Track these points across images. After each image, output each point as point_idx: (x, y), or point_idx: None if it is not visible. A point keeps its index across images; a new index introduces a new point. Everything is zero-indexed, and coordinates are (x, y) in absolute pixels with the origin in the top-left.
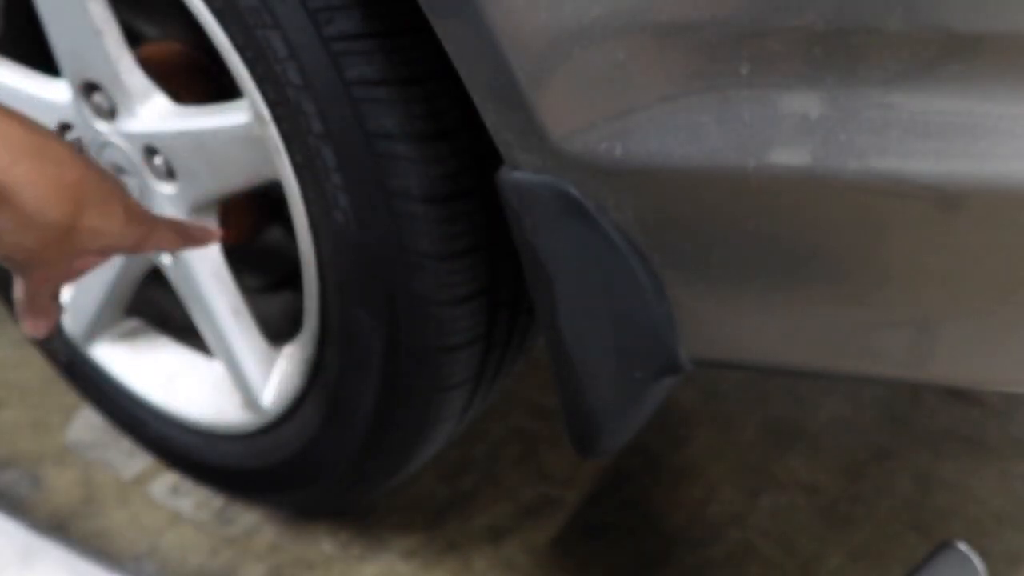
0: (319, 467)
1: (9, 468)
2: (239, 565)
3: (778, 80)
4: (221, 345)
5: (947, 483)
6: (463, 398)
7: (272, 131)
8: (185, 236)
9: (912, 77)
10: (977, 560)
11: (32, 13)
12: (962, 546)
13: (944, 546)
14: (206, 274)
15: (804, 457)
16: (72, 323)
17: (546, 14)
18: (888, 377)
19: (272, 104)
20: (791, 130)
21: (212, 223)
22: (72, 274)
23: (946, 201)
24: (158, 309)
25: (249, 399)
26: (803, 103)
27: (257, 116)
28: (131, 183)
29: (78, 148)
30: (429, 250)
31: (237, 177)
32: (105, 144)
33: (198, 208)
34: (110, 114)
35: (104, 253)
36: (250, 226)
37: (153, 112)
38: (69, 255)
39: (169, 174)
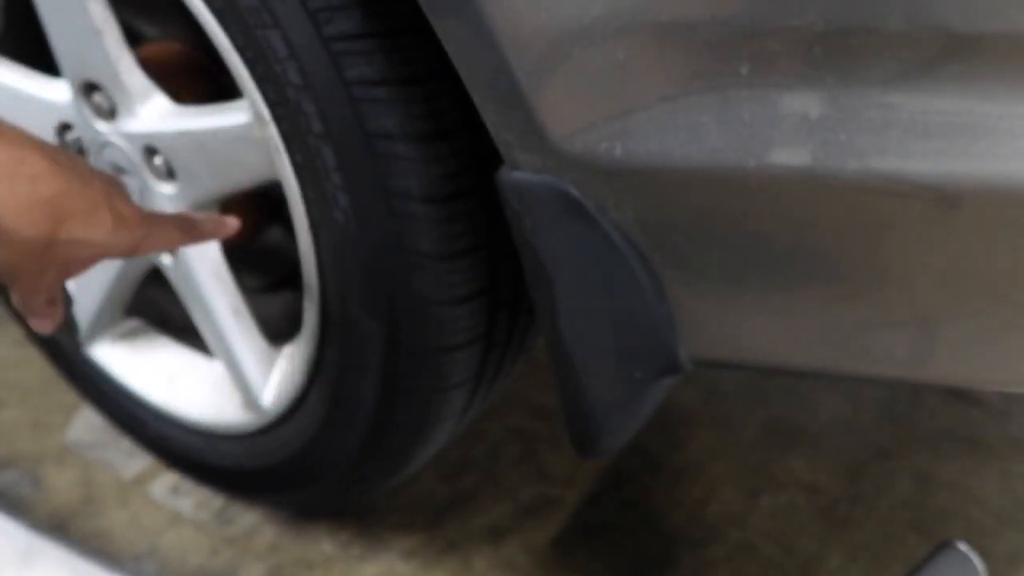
0: (319, 467)
1: (9, 468)
2: (239, 565)
3: (778, 80)
4: (221, 345)
5: (947, 483)
6: (463, 398)
7: (272, 131)
8: (192, 231)
9: (912, 77)
10: (977, 560)
11: (32, 13)
12: (962, 546)
13: (944, 546)
14: (206, 274)
15: (804, 457)
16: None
17: (546, 14)
18: (888, 377)
19: (272, 104)
20: (791, 130)
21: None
22: (62, 279)
23: (946, 201)
24: (158, 309)
25: (249, 399)
26: (803, 103)
27: (257, 116)
28: (131, 183)
29: (77, 149)
30: (429, 250)
31: (237, 177)
32: (105, 144)
33: (198, 208)
34: (110, 114)
35: (93, 259)
36: (250, 226)
37: (153, 112)
38: (52, 267)
39: (169, 174)
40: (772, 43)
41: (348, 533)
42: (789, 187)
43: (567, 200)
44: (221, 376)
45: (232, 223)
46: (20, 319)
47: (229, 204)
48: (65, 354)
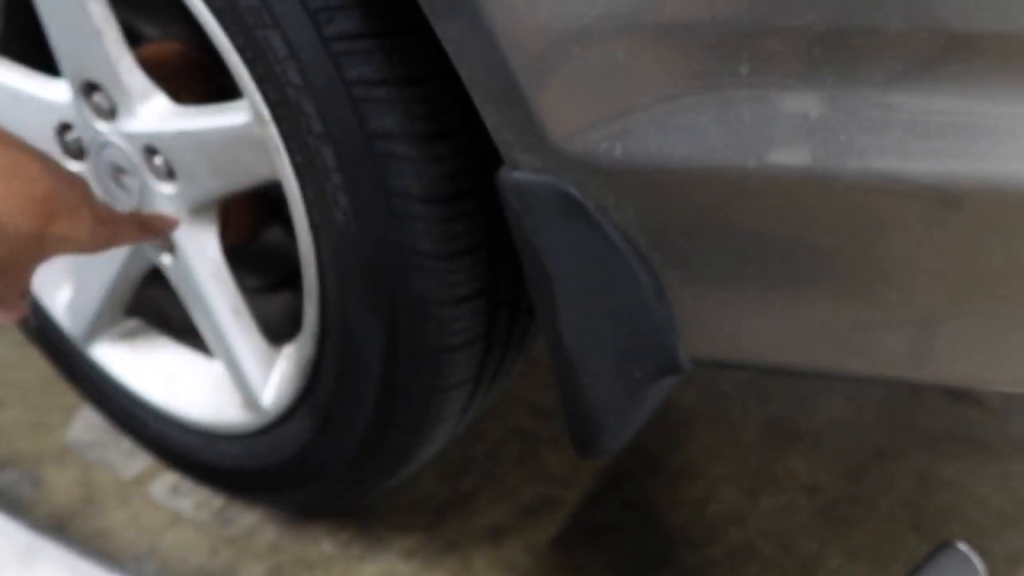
0: (319, 467)
1: (9, 468)
2: (239, 565)
3: (778, 80)
4: (221, 345)
5: (947, 483)
6: (463, 398)
7: (272, 131)
8: (146, 228)
9: (912, 77)
10: (977, 560)
11: (32, 13)
12: (962, 546)
13: (944, 546)
14: (206, 274)
15: (804, 457)
16: (72, 323)
17: (546, 14)
18: (888, 377)
19: (272, 104)
20: (791, 130)
21: (211, 221)
22: (33, 273)
23: (946, 201)
24: (158, 309)
25: (249, 399)
26: (803, 103)
27: (257, 116)
28: (131, 183)
29: (77, 149)
30: (429, 250)
31: (237, 177)
32: (105, 144)
33: (198, 208)
34: (110, 114)
35: (67, 253)
36: (250, 226)
37: (153, 112)
38: (37, 261)
39: (169, 174)
40: (772, 43)
41: (348, 533)
42: (789, 187)
43: (567, 200)
44: (221, 376)
45: (174, 220)
46: None
47: (229, 204)
48: (65, 354)
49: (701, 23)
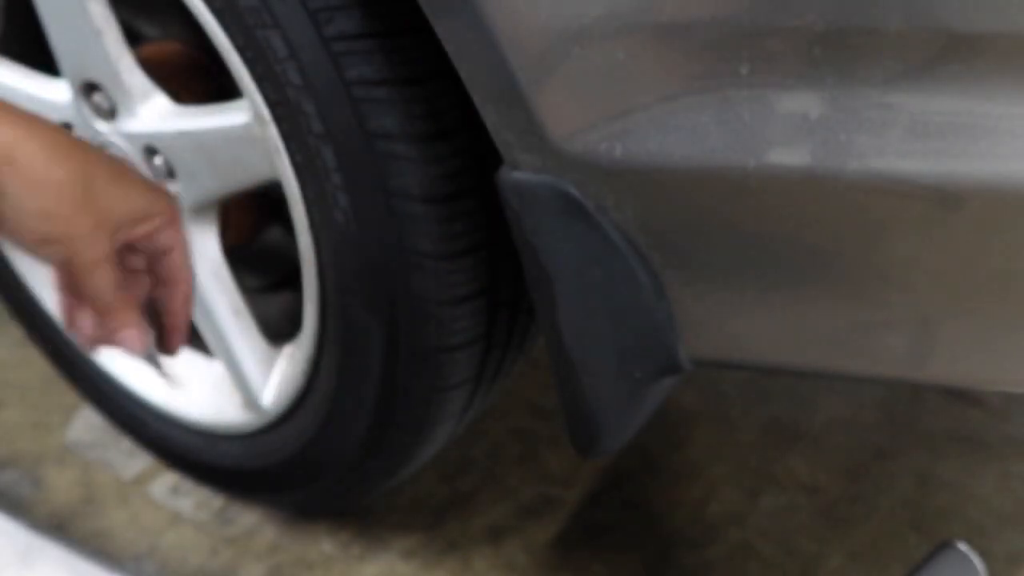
0: (319, 467)
1: (9, 468)
2: (239, 565)
3: (778, 80)
4: (221, 345)
5: (947, 483)
6: (463, 398)
7: (272, 131)
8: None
9: (912, 77)
10: (977, 560)
11: (32, 13)
12: (962, 546)
13: (944, 546)
14: (206, 274)
15: (804, 457)
16: None
17: (546, 14)
18: (888, 377)
19: (272, 104)
20: (791, 130)
21: (211, 221)
22: (119, 262)
23: (946, 201)
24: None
25: (249, 399)
26: (803, 103)
27: (257, 116)
28: None
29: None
30: (429, 250)
31: (237, 177)
32: (105, 144)
33: (198, 208)
34: (110, 114)
35: (148, 234)
36: (250, 226)
37: (153, 112)
38: (101, 226)
39: (169, 174)
40: (772, 43)
41: (348, 533)
42: (789, 187)
43: (567, 200)
44: (221, 376)
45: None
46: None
47: (229, 204)
48: (65, 354)
49: (701, 23)
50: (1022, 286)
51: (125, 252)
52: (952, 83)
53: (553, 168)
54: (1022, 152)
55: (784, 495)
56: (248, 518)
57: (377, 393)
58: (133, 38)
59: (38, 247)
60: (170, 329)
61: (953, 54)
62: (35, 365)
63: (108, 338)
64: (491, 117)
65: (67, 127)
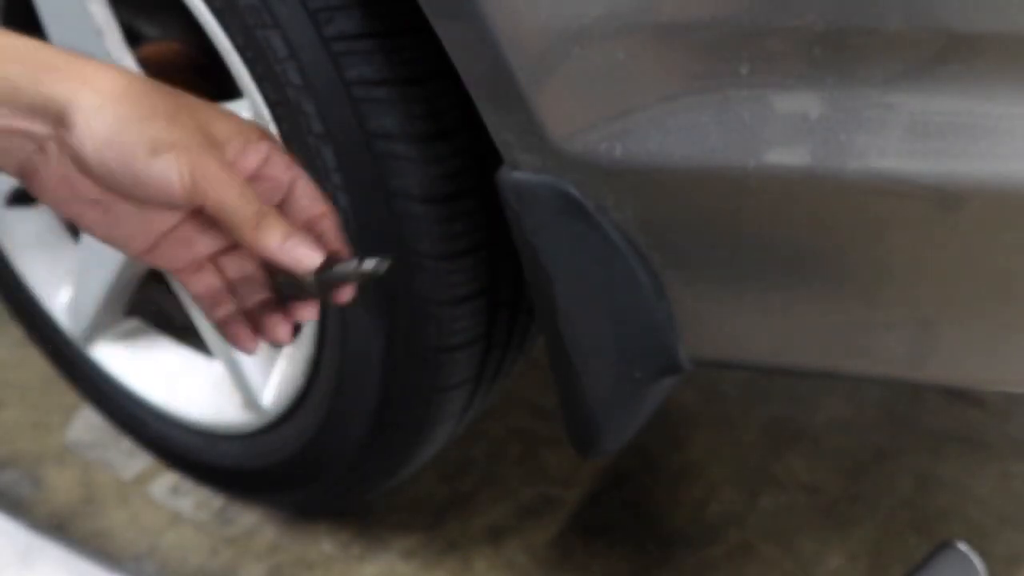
0: (319, 467)
1: (9, 468)
2: (239, 565)
3: (778, 80)
4: (221, 345)
5: (947, 483)
6: (463, 398)
7: (272, 131)
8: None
9: (912, 77)
10: (977, 560)
11: (32, 13)
12: (962, 546)
13: (944, 546)
14: None
15: (804, 457)
16: (72, 323)
17: (546, 14)
18: (888, 377)
19: (272, 104)
20: (791, 130)
21: None
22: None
23: (946, 201)
24: (158, 309)
25: (249, 399)
26: (803, 103)
27: (257, 116)
28: None
29: None
30: (429, 250)
31: None
32: None
33: None
34: None
35: (251, 157)
36: None
37: None
38: (208, 140)
39: None
40: (772, 43)
41: (348, 533)
42: (789, 187)
43: (567, 200)
44: (221, 376)
45: None
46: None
47: None
48: (65, 354)
49: (701, 23)
50: (1022, 286)
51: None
52: (952, 83)
53: (553, 168)
54: (1022, 152)
55: (784, 495)
56: (248, 518)
57: (377, 393)
58: (133, 38)
59: (151, 160)
60: (335, 257)
61: (953, 54)
62: (35, 365)
63: (286, 253)
64: (491, 117)
65: None
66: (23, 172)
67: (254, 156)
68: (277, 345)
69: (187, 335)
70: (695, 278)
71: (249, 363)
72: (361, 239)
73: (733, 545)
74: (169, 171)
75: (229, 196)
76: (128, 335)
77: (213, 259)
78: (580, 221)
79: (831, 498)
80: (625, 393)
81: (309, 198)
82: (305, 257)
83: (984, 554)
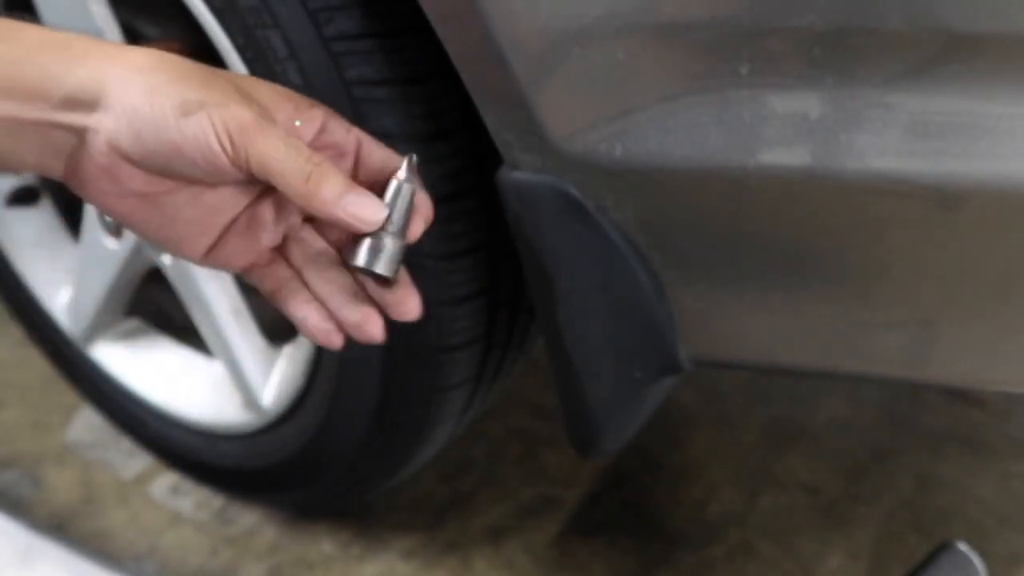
0: (319, 467)
1: (9, 468)
2: (239, 565)
3: (778, 80)
4: (221, 345)
5: (947, 483)
6: (463, 398)
7: None
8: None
9: (912, 77)
10: (977, 560)
11: (33, 13)
12: (962, 546)
13: (944, 546)
14: (206, 274)
15: (804, 457)
16: (72, 323)
17: (546, 14)
18: (888, 377)
19: None
20: (791, 130)
21: None
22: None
23: (946, 201)
24: (158, 309)
25: (249, 399)
26: (803, 103)
27: None
28: None
29: None
30: (429, 250)
31: None
32: None
33: None
34: None
35: (307, 126)
36: None
37: None
38: (247, 99)
39: None
40: (772, 43)
41: (348, 533)
42: (789, 187)
43: (567, 200)
44: (221, 376)
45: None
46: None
47: None
48: (65, 354)
49: (701, 23)
50: (1022, 286)
51: None
52: (952, 83)
53: (553, 168)
54: (1022, 152)
55: (784, 495)
56: (248, 518)
57: (377, 393)
58: (133, 38)
59: (183, 121)
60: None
61: (953, 54)
62: (35, 365)
63: (344, 208)
64: (491, 117)
65: None
66: (68, 172)
67: (308, 125)
68: (369, 342)
69: (187, 335)
70: (695, 278)
71: (249, 363)
72: None
73: (733, 545)
74: (204, 129)
75: (273, 147)
76: (128, 335)
77: (280, 250)
78: (580, 221)
79: (831, 498)
80: (625, 393)
81: (381, 159)
82: (368, 210)
83: (984, 554)
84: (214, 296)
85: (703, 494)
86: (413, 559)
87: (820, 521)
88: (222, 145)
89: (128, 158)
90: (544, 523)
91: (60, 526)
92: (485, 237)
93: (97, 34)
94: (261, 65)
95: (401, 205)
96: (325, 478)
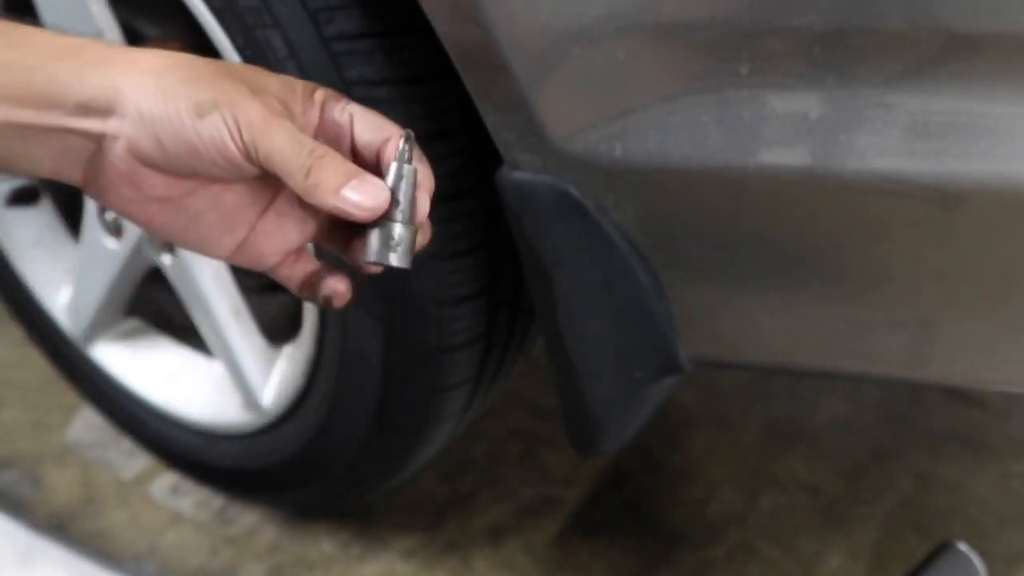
0: (319, 467)
1: (9, 468)
2: (239, 565)
3: (778, 80)
4: (221, 345)
5: (947, 483)
6: (463, 398)
7: None
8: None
9: (912, 77)
10: (977, 560)
11: (33, 13)
12: (962, 546)
13: (944, 546)
14: (206, 274)
15: (804, 457)
16: (72, 323)
17: (546, 14)
18: (888, 377)
19: None
20: (791, 130)
21: None
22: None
23: (946, 201)
24: (158, 309)
25: (249, 399)
26: (803, 103)
27: None
28: None
29: None
30: (429, 250)
31: None
32: None
33: None
34: None
35: (311, 106)
36: None
37: None
38: (256, 93)
39: None
40: (772, 43)
41: (348, 533)
42: (789, 187)
43: (567, 200)
44: (221, 376)
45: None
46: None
47: None
48: (65, 354)
49: (701, 23)
50: (1022, 286)
51: None
52: (952, 83)
53: (553, 168)
54: (1022, 152)
55: (784, 495)
56: (248, 518)
57: (377, 393)
58: (133, 38)
59: (198, 122)
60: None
61: (953, 54)
62: (35, 365)
63: (343, 201)
64: (491, 117)
65: None
66: (87, 178)
67: (313, 111)
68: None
69: (187, 335)
70: (695, 278)
71: (249, 363)
72: None
73: (733, 545)
74: (219, 128)
75: (278, 142)
76: (128, 335)
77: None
78: (580, 221)
79: (831, 498)
80: (625, 393)
81: (370, 129)
82: (367, 197)
83: (984, 554)
84: (214, 296)
85: (703, 494)
86: (413, 559)
87: (820, 521)
88: (236, 143)
89: (149, 163)
90: (544, 523)
91: (60, 526)
92: (485, 237)
93: (97, 34)
94: (261, 65)
95: (405, 188)
96: (325, 478)
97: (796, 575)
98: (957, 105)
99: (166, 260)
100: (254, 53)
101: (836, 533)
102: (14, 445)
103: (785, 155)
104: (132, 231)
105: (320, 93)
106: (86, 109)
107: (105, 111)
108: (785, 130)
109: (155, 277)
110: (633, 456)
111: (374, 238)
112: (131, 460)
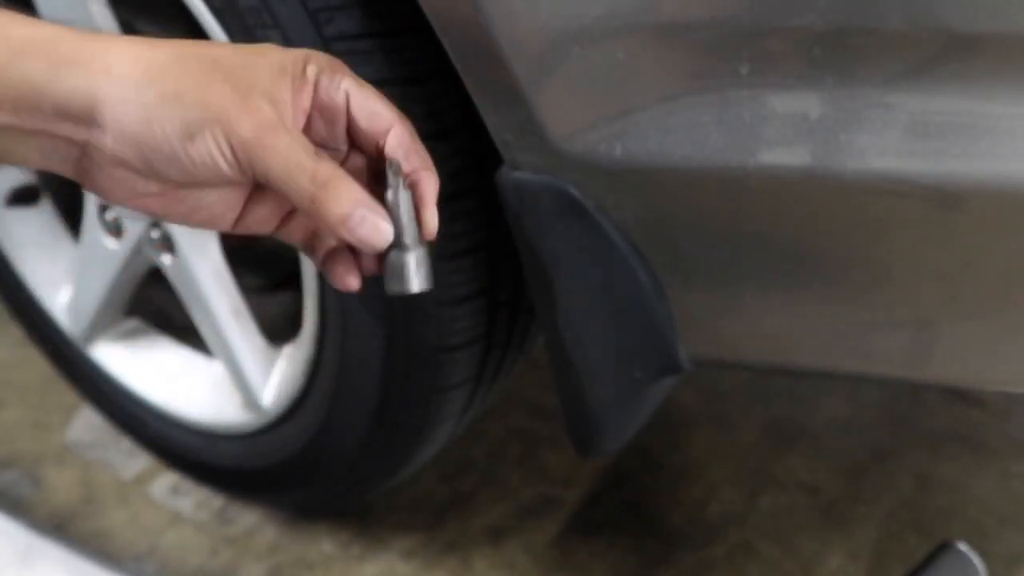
0: (319, 467)
1: (9, 468)
2: (239, 565)
3: (778, 80)
4: (221, 345)
5: (947, 483)
6: (463, 398)
7: None
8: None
9: (912, 77)
10: (977, 560)
11: (33, 13)
12: (962, 546)
13: (944, 546)
14: (206, 274)
15: (804, 457)
16: (72, 323)
17: (546, 14)
18: (888, 377)
19: None
20: (791, 130)
21: None
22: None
23: (946, 201)
24: (158, 309)
25: (249, 399)
26: (803, 103)
27: None
28: None
29: None
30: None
31: None
32: None
33: None
34: None
35: (305, 87)
36: None
37: None
38: (249, 96)
39: None
40: (772, 43)
41: (348, 533)
42: (789, 187)
43: (567, 200)
44: (221, 376)
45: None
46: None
47: None
48: (65, 354)
49: (701, 23)
50: (1021, 286)
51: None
52: (952, 83)
53: (553, 168)
54: (1022, 152)
55: (784, 495)
56: (248, 518)
57: (377, 393)
58: None
59: (188, 145)
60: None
61: (953, 54)
62: (35, 365)
63: (351, 233)
64: (491, 117)
65: None
66: (78, 174)
67: (306, 92)
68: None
69: (187, 335)
70: (695, 278)
71: (249, 363)
72: None
73: (733, 545)
74: (210, 151)
75: (275, 164)
76: (128, 335)
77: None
78: (580, 221)
79: (831, 498)
80: (625, 393)
81: (367, 115)
82: (373, 234)
83: (984, 554)
84: (214, 296)
85: (703, 494)
86: (413, 559)
87: (820, 521)
88: (228, 164)
89: (139, 173)
90: (544, 523)
91: (60, 526)
92: (485, 237)
93: None
94: None
95: (405, 214)
96: (325, 478)
97: (796, 575)
98: (957, 105)
99: (166, 260)
100: None
101: (836, 533)
102: (14, 445)
103: (785, 155)
104: (132, 231)
105: (312, 68)
106: (64, 114)
107: (85, 120)
108: (785, 130)
109: (155, 277)
110: (633, 456)
111: (389, 270)
112: (131, 460)
